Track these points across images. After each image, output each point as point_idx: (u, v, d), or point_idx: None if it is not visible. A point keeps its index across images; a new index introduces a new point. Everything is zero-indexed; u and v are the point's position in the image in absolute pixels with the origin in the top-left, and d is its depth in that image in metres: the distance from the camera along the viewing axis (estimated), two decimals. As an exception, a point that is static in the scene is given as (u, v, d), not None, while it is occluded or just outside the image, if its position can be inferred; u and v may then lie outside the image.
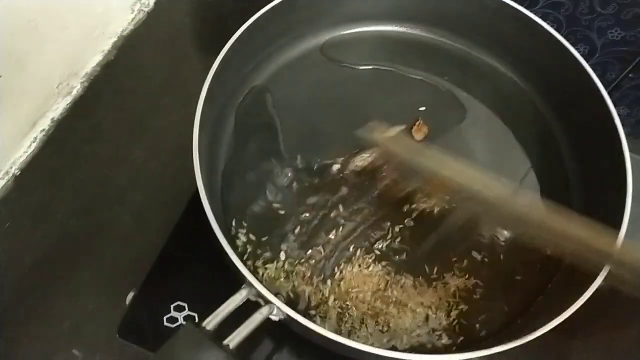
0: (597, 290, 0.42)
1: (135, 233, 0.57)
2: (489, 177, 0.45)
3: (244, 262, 0.48)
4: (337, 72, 0.61)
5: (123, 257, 0.55)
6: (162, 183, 0.60)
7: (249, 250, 0.51)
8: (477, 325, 0.49)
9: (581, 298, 0.42)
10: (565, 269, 0.51)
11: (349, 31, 0.63)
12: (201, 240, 0.53)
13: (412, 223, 0.53)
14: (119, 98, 0.65)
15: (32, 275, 0.54)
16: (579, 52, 0.54)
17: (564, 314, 0.42)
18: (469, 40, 0.63)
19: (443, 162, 0.47)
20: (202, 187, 0.44)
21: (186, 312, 0.50)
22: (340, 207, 0.53)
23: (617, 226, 0.46)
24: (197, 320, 0.49)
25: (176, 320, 0.50)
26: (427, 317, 0.49)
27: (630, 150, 0.49)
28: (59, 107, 0.62)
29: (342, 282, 0.50)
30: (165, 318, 0.50)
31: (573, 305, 0.42)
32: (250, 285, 0.40)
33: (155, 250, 0.54)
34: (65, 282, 0.54)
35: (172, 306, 0.50)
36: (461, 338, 0.48)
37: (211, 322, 0.39)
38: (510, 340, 0.41)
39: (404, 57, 0.63)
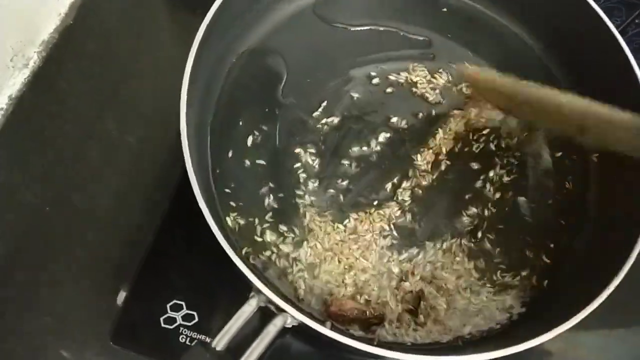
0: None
1: (118, 217, 0.53)
2: None
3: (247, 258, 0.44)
4: (331, 34, 0.55)
5: (107, 244, 0.51)
6: (142, 159, 0.56)
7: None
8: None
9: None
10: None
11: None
12: (195, 226, 0.49)
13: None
14: (84, 66, 0.58)
15: (4, 268, 0.49)
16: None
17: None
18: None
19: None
20: (195, 182, 0.39)
21: (184, 311, 0.46)
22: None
23: None
24: (197, 319, 0.45)
25: (174, 320, 0.46)
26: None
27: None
28: (16, 83, 0.56)
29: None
30: (162, 319, 0.46)
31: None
32: (260, 292, 0.36)
33: (142, 235, 0.50)
34: (47, 274, 0.49)
35: (168, 305, 0.46)
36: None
37: (221, 342, 0.35)
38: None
39: (403, 14, 0.57)
